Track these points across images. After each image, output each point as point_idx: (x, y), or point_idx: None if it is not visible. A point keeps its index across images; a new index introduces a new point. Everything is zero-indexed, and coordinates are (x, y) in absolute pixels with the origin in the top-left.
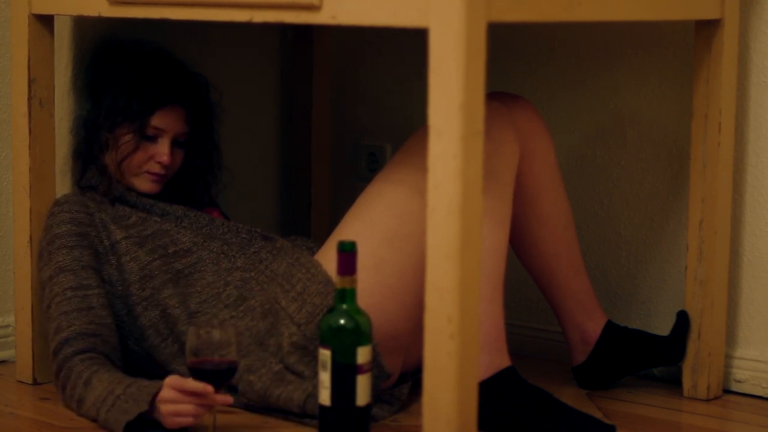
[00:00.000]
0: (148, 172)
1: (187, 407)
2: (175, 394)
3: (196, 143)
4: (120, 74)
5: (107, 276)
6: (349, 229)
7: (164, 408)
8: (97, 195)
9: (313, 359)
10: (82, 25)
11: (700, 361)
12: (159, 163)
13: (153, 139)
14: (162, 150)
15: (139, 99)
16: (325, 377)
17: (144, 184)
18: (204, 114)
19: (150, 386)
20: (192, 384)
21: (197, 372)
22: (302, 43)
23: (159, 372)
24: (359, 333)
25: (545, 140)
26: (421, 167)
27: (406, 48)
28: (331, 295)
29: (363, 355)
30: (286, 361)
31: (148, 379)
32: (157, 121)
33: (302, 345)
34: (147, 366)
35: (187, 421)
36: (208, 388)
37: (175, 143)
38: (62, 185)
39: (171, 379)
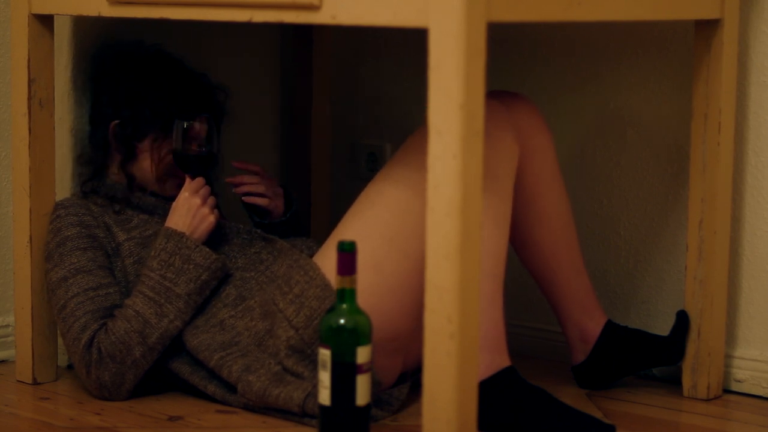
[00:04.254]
0: (176, 176)
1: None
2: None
3: None
4: (151, 84)
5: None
6: (348, 228)
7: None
8: (98, 199)
9: (311, 363)
10: (82, 25)
11: (700, 361)
12: None
13: None
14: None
15: (178, 108)
16: (325, 377)
17: (171, 189)
18: (220, 122)
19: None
20: (194, 183)
21: (189, 158)
22: (302, 43)
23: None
24: (359, 333)
25: (546, 138)
26: (421, 166)
27: (406, 48)
28: (329, 299)
29: (363, 354)
30: (284, 363)
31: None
32: (196, 129)
33: (299, 348)
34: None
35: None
36: (200, 179)
37: None
38: (62, 185)
39: (183, 192)
